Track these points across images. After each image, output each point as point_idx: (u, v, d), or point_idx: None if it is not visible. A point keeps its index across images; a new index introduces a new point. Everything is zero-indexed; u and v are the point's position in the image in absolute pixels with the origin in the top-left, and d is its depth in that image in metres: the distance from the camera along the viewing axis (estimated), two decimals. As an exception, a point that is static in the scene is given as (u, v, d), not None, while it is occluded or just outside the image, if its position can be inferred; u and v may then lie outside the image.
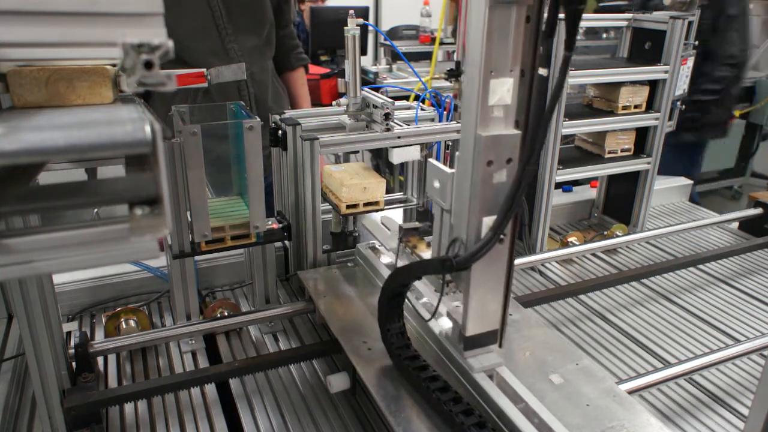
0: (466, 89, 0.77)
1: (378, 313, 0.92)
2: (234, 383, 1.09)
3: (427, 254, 0.95)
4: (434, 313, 0.88)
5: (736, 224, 1.86)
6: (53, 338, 0.92)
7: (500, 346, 0.88)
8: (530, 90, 0.75)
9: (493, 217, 0.77)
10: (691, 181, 2.13)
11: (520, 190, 0.73)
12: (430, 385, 0.83)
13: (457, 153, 0.81)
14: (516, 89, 0.76)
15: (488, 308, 0.85)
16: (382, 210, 1.36)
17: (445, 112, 1.41)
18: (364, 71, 3.55)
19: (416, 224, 1.01)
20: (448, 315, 0.89)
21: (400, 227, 1.08)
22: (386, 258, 1.22)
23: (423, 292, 1.03)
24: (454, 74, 3.28)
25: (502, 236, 0.78)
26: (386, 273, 1.15)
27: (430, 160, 0.89)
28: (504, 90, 0.75)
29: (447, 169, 0.83)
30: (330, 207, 1.38)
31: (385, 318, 0.91)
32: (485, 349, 0.87)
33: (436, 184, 0.86)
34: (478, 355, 0.87)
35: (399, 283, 0.87)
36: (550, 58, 0.70)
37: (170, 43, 0.45)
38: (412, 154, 1.32)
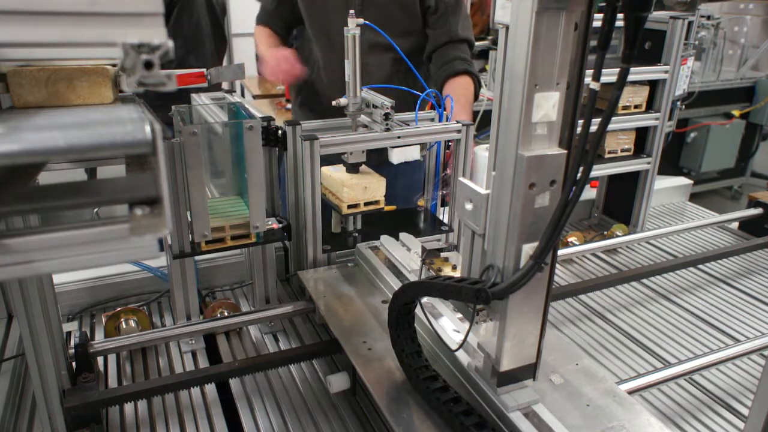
0: (505, 104, 0.70)
1: (388, 317, 0.89)
2: (234, 383, 1.09)
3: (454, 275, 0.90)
4: (462, 343, 0.83)
5: (736, 224, 1.86)
6: (53, 338, 0.92)
7: (534, 379, 0.83)
8: (575, 105, 0.69)
9: (534, 245, 0.71)
10: (691, 181, 2.13)
11: (565, 216, 0.68)
12: (440, 396, 0.82)
13: (492, 173, 0.74)
14: (561, 104, 0.69)
15: (525, 341, 0.78)
16: (382, 209, 1.36)
17: (444, 112, 1.41)
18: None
19: (439, 245, 0.96)
20: (480, 347, 0.82)
21: (423, 248, 1.07)
22: (412, 276, 1.13)
23: (442, 312, 0.98)
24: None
25: (543, 264, 0.71)
26: (386, 273, 1.15)
27: (460, 178, 0.81)
28: (549, 105, 0.68)
29: (481, 189, 0.76)
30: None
31: (396, 324, 0.88)
32: (519, 385, 0.81)
33: (468, 206, 0.78)
34: (512, 391, 0.81)
35: (421, 295, 0.83)
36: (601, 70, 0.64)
37: (170, 43, 0.45)
38: (412, 154, 1.32)
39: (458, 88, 1.72)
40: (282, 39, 1.82)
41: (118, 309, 1.23)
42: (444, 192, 1.50)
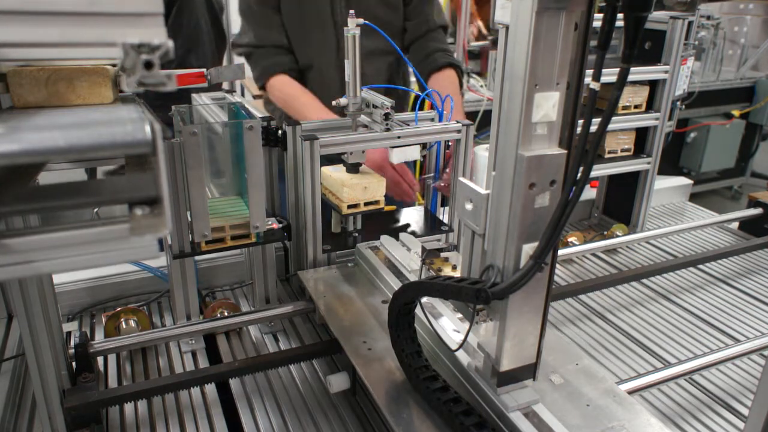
0: (505, 104, 0.71)
1: (388, 317, 0.89)
2: (234, 383, 1.09)
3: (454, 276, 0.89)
4: (462, 343, 0.82)
5: (736, 224, 1.86)
6: (53, 338, 0.92)
7: (535, 379, 0.83)
8: (575, 105, 0.69)
9: (534, 245, 0.71)
10: (691, 181, 2.13)
11: (565, 216, 0.68)
12: (440, 396, 0.82)
13: (492, 173, 0.74)
14: (561, 104, 0.69)
15: (525, 341, 0.78)
16: (382, 209, 1.36)
17: (445, 112, 1.41)
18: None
19: (439, 245, 0.96)
20: (480, 347, 0.82)
21: (423, 249, 1.06)
22: (412, 276, 1.13)
23: (442, 312, 0.98)
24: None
25: (543, 264, 0.72)
26: (386, 273, 1.15)
27: (460, 178, 0.81)
28: (549, 105, 0.68)
29: (481, 189, 0.77)
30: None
31: (396, 324, 0.88)
32: (519, 385, 0.81)
33: (468, 206, 0.79)
34: (512, 391, 0.81)
35: (421, 295, 0.83)
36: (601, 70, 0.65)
37: (170, 43, 0.45)
38: (412, 154, 1.32)
39: (445, 83, 1.71)
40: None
41: (118, 309, 1.22)
42: (443, 181, 1.49)
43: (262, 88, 1.74)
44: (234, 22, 4.50)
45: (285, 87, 1.68)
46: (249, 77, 1.82)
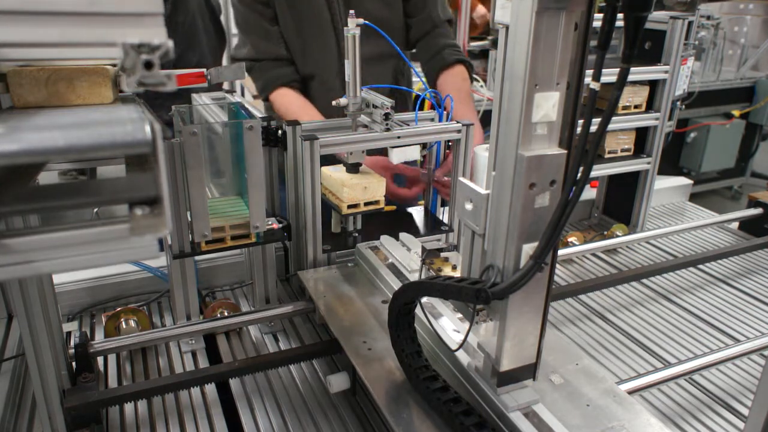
0: (505, 104, 0.70)
1: (388, 317, 0.89)
2: (234, 383, 1.09)
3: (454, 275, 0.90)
4: (462, 343, 0.82)
5: (736, 224, 1.86)
6: (53, 338, 0.92)
7: (535, 379, 0.83)
8: (575, 105, 0.69)
9: (534, 245, 0.72)
10: (691, 181, 2.13)
11: (565, 216, 0.68)
12: (440, 396, 0.82)
13: (492, 173, 0.74)
14: (561, 104, 0.69)
15: (525, 341, 0.78)
16: (382, 209, 1.36)
17: (444, 112, 1.41)
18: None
19: (439, 245, 0.96)
20: (480, 347, 0.82)
21: (423, 249, 1.06)
22: (412, 276, 1.13)
23: (442, 312, 0.98)
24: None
25: (543, 264, 0.71)
26: (386, 273, 1.15)
27: (460, 178, 0.81)
28: (549, 105, 0.68)
29: (481, 189, 0.77)
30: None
31: (396, 324, 0.88)
32: (519, 385, 0.81)
33: (468, 206, 0.79)
34: (512, 391, 0.81)
35: (421, 295, 0.83)
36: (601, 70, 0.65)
37: (170, 43, 0.45)
38: (412, 154, 1.32)
39: (456, 80, 1.69)
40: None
41: (118, 309, 1.23)
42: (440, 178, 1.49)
43: (266, 100, 1.73)
44: (233, 22, 4.50)
45: (287, 101, 1.66)
46: (249, 77, 1.81)
